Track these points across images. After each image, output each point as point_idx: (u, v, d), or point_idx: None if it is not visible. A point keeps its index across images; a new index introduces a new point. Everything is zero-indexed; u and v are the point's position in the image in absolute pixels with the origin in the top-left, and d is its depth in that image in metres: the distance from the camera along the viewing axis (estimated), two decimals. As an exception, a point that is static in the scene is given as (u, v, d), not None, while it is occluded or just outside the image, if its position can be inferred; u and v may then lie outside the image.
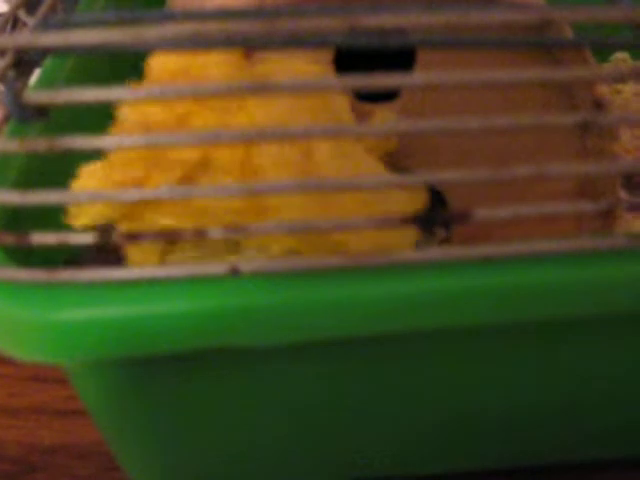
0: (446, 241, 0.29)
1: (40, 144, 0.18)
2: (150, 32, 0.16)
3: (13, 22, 0.30)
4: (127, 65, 0.26)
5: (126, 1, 0.36)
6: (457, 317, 0.21)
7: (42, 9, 0.31)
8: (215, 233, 0.19)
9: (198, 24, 0.16)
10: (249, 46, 0.17)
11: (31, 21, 0.29)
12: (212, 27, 0.16)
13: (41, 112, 0.18)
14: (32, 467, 0.30)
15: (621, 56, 0.41)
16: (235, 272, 0.20)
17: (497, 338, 0.24)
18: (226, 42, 0.17)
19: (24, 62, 0.19)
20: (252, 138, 0.18)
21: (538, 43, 0.23)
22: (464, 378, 0.25)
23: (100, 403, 0.24)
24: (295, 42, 0.18)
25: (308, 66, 0.23)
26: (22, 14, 0.30)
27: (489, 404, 0.26)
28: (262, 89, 0.18)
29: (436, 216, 0.21)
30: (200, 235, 0.19)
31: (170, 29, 0.16)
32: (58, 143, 0.18)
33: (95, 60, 0.30)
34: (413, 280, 0.20)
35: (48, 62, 0.31)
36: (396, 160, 0.26)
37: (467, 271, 0.21)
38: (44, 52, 0.20)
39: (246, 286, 0.20)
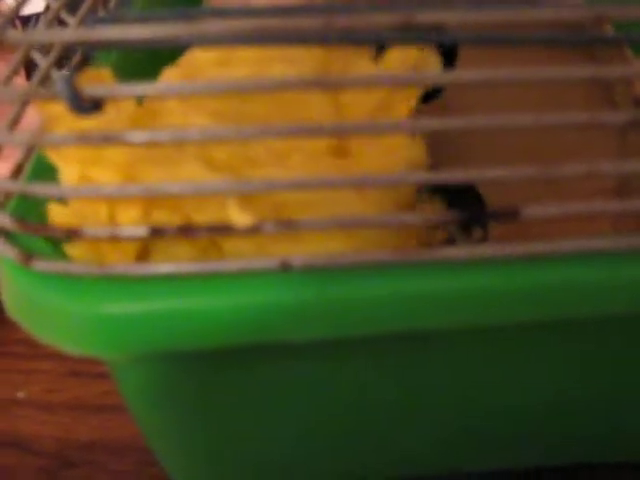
0: (483, 241, 0.29)
1: (96, 138, 0.18)
2: (211, 26, 0.16)
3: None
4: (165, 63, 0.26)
5: (162, 1, 0.36)
6: (501, 315, 0.21)
7: (83, 9, 0.31)
8: (268, 227, 0.19)
9: (259, 20, 0.16)
10: (307, 42, 0.17)
11: (72, 21, 0.30)
12: (273, 23, 0.17)
13: (97, 105, 0.19)
14: (69, 463, 0.30)
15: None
16: (286, 267, 0.20)
17: (534, 337, 0.24)
18: (286, 38, 0.17)
19: (75, 57, 0.19)
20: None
21: (581, 41, 0.23)
22: (493, 377, 0.25)
23: (145, 398, 0.24)
24: (350, 39, 0.19)
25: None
26: (64, 14, 0.30)
27: (517, 404, 0.26)
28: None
29: (482, 214, 0.21)
30: (254, 230, 0.19)
31: (231, 24, 0.16)
32: (113, 136, 0.19)
33: (135, 58, 0.30)
34: (463, 276, 0.20)
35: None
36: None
37: (508, 269, 0.21)
38: (94, 47, 0.20)
39: (297, 281, 0.20)
